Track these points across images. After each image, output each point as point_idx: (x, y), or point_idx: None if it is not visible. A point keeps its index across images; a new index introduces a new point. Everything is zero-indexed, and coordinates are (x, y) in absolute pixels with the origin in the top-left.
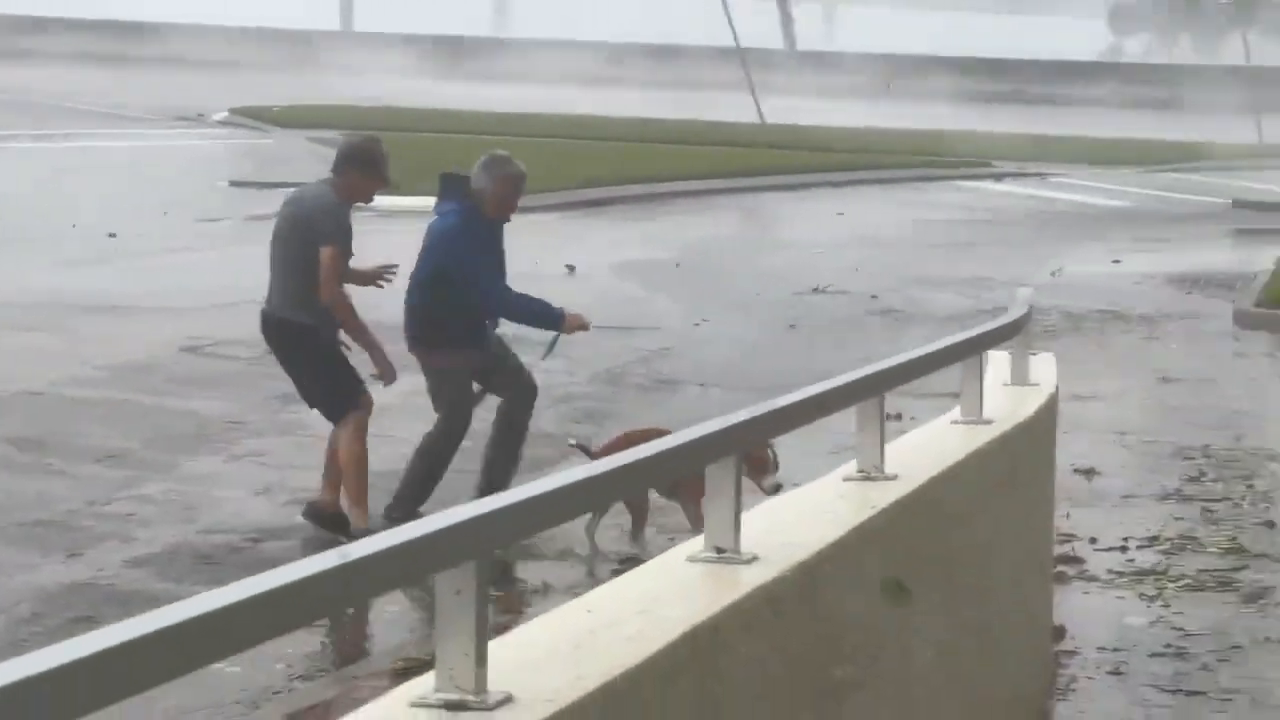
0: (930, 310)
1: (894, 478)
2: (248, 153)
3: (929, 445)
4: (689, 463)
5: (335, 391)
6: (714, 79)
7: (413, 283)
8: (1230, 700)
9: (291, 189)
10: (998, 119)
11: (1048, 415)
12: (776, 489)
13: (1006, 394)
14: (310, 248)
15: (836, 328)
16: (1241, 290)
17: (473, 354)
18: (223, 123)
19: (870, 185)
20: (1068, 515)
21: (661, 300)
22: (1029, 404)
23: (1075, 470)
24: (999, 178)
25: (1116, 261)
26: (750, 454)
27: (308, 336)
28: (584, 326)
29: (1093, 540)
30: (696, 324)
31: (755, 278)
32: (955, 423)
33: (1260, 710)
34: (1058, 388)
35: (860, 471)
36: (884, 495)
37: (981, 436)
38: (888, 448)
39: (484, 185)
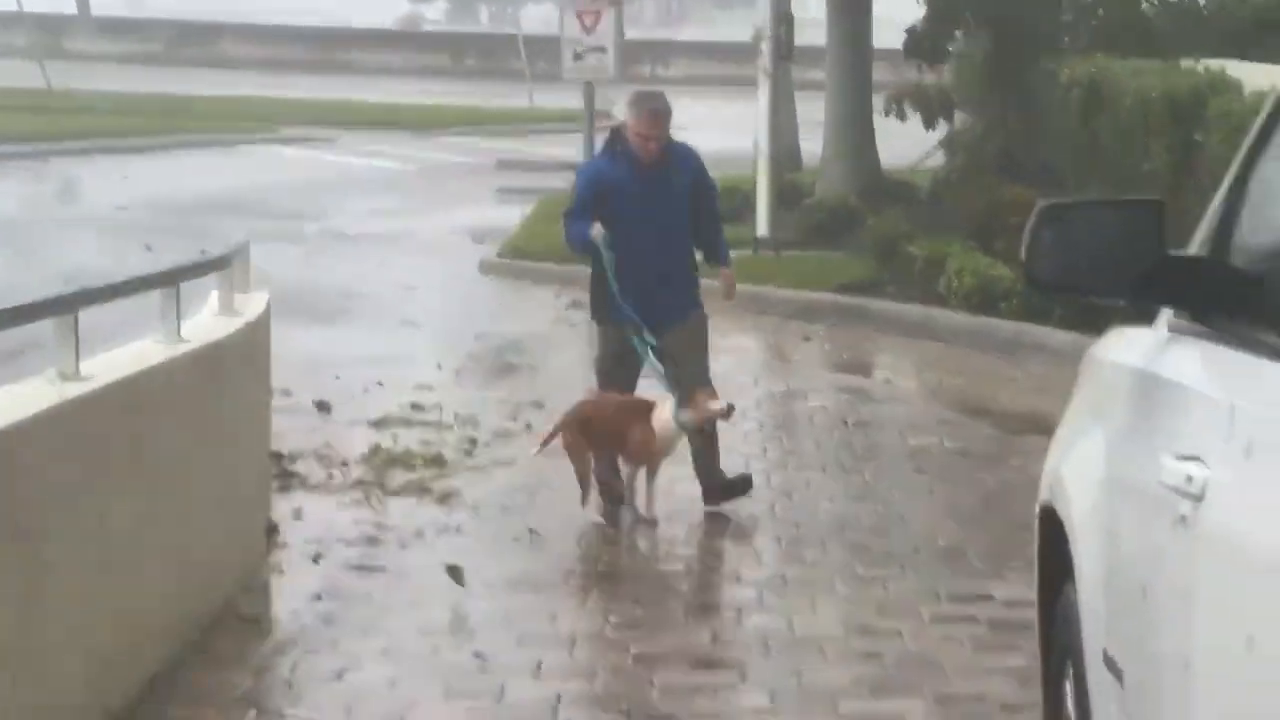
0: None
1: (88, 378)
2: None
3: (126, 358)
4: None
5: None
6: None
7: None
8: (404, 573)
9: None
10: (295, 86)
11: (248, 340)
12: (730, 408)
13: (212, 321)
14: None
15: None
16: (489, 243)
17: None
18: None
19: (159, 151)
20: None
21: None
22: (227, 329)
23: (314, 401)
24: (287, 142)
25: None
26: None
27: None
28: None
29: (319, 457)
30: None
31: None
32: (156, 341)
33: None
34: (263, 318)
35: (60, 375)
36: (75, 391)
37: (175, 351)
38: (95, 360)
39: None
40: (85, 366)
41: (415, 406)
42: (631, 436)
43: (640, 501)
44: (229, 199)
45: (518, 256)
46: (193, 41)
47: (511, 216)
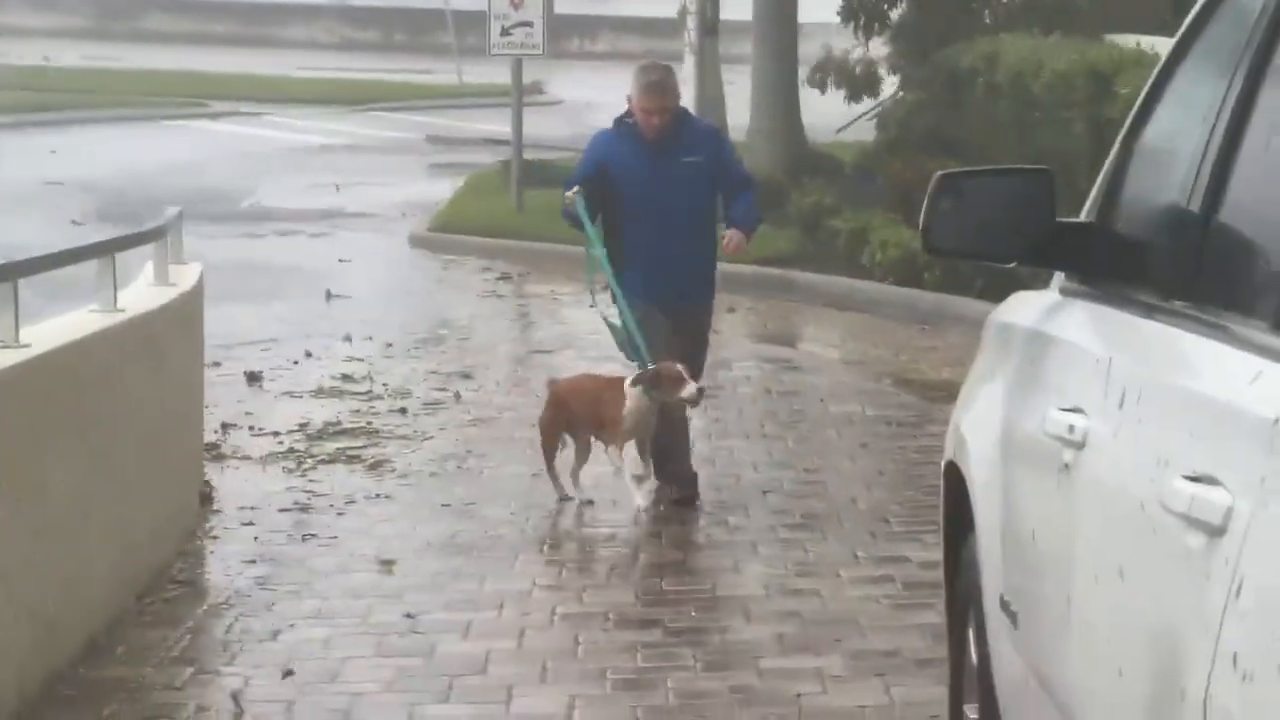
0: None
1: (26, 346)
2: None
3: (64, 326)
4: None
5: None
6: None
7: None
8: (335, 539)
9: None
10: (223, 61)
11: (183, 309)
12: (699, 392)
13: (147, 292)
14: None
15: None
16: (419, 217)
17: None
18: None
19: (85, 125)
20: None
21: None
22: (162, 299)
23: (245, 373)
24: (216, 117)
25: (338, 187)
26: (665, 374)
27: None
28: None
29: (251, 428)
30: None
31: None
32: (92, 310)
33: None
34: (196, 289)
35: (0, 342)
36: (15, 358)
37: (112, 320)
38: (34, 328)
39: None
40: (25, 334)
41: (345, 378)
42: (603, 412)
43: (637, 479)
44: (158, 174)
45: (447, 231)
46: (120, 16)
47: (441, 191)
